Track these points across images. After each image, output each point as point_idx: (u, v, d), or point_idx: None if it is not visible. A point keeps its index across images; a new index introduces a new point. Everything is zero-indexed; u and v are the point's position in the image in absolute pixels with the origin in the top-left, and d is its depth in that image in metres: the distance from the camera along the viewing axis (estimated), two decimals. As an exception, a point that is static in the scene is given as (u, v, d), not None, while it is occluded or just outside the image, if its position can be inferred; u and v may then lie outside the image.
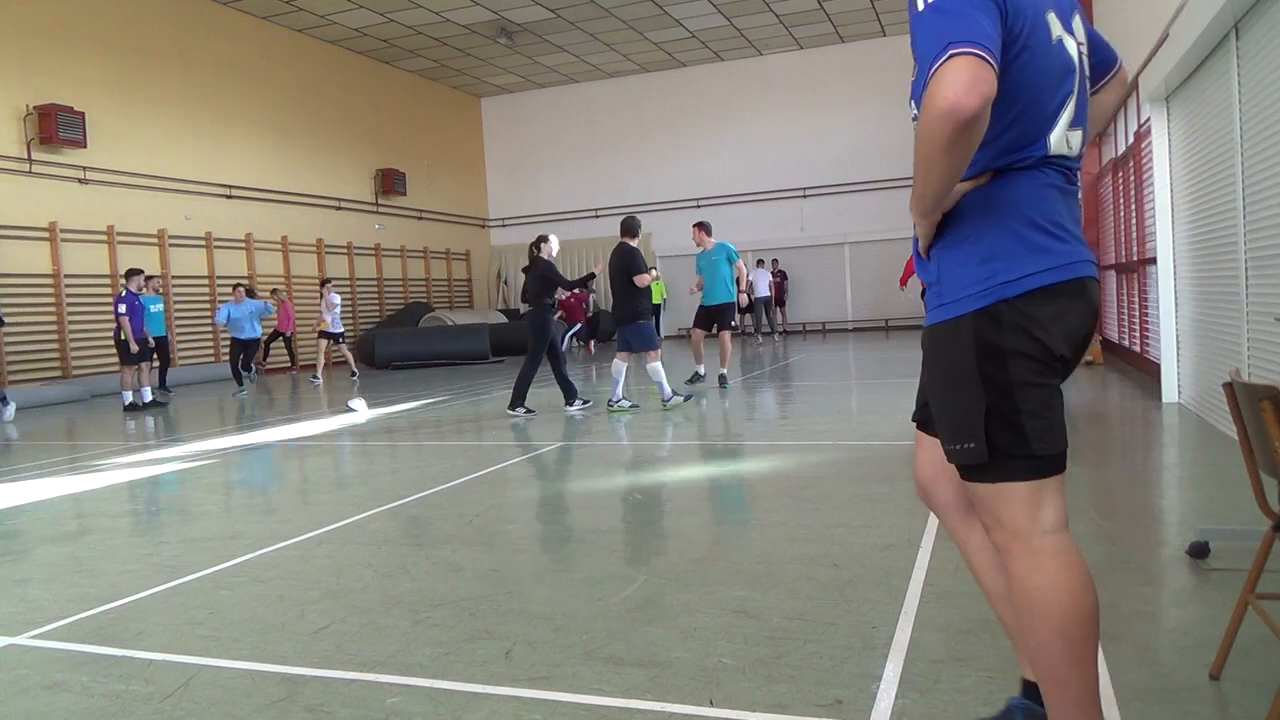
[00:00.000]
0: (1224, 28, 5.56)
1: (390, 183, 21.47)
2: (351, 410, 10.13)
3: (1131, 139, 9.86)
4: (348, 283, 20.47)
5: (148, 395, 12.16)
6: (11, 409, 11.25)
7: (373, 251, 21.29)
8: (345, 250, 20.40)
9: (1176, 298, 7.48)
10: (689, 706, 2.37)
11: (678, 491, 5.25)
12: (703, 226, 10.63)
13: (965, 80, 1.47)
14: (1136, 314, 9.95)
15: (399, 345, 18.14)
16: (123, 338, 11.80)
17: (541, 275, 8.86)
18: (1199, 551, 3.38)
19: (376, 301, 21.33)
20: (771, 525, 4.34)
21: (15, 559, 4.40)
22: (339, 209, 20.30)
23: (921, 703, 2.33)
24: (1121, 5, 9.95)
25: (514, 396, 8.92)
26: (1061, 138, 1.73)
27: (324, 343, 14.86)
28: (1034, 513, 1.71)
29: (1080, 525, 3.92)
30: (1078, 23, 1.80)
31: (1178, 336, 7.48)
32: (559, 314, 13.08)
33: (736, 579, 3.44)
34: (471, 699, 2.50)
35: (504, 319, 21.69)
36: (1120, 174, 10.93)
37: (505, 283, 25.72)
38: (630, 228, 8.84)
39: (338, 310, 14.84)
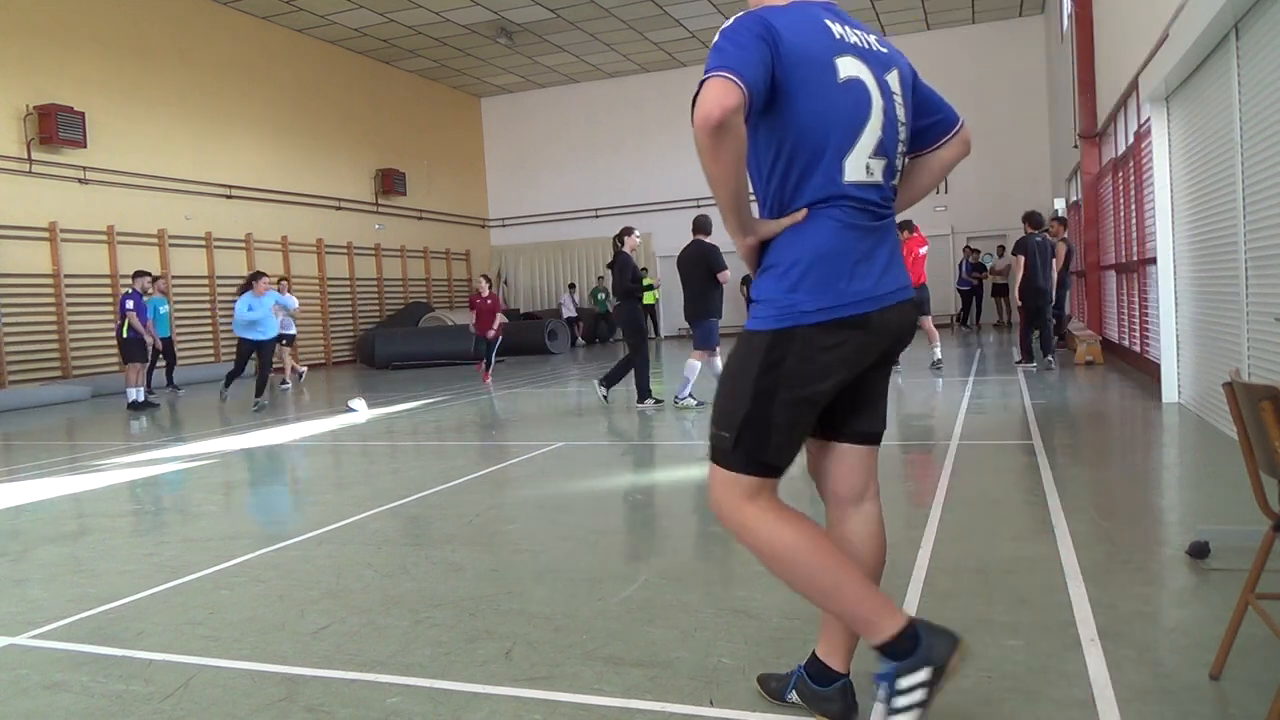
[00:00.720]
0: (1224, 28, 5.56)
1: (390, 183, 21.47)
2: (351, 410, 10.13)
3: (1131, 139, 9.86)
4: (347, 283, 20.48)
5: (141, 395, 12.18)
6: None
7: (373, 251, 21.30)
8: (345, 250, 20.40)
9: (1176, 298, 7.48)
10: (689, 706, 2.37)
11: (678, 491, 5.25)
12: None
13: (711, 95, 1.75)
14: (1136, 314, 9.95)
15: (399, 345, 18.14)
16: (125, 335, 11.85)
17: (622, 268, 9.00)
18: (1199, 551, 3.38)
19: (376, 301, 21.34)
20: (771, 525, 4.34)
21: (15, 559, 4.40)
22: (339, 209, 20.30)
23: (921, 703, 2.33)
24: (1121, 5, 9.95)
25: (639, 392, 9.09)
26: (860, 165, 1.96)
27: (281, 347, 14.09)
28: (748, 501, 2.03)
29: (1080, 525, 3.92)
30: (895, 77, 2.05)
31: (1178, 336, 7.47)
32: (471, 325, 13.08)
33: (736, 579, 3.44)
34: (471, 699, 2.50)
35: (504, 319, 21.68)
36: (1120, 174, 10.93)
37: (505, 283, 25.72)
38: (704, 225, 8.74)
39: (287, 309, 14.14)
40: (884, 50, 2.07)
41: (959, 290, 21.00)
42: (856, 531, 2.25)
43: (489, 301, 13.61)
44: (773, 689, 2.35)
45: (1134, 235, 9.94)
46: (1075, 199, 15.19)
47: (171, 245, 16.16)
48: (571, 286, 24.03)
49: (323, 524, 4.72)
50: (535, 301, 25.40)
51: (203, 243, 16.87)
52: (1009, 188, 21.29)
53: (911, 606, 3.02)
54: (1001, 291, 20.66)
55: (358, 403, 10.33)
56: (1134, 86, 9.13)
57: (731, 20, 1.90)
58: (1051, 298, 11.07)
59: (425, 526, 4.68)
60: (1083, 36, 12.96)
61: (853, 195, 1.97)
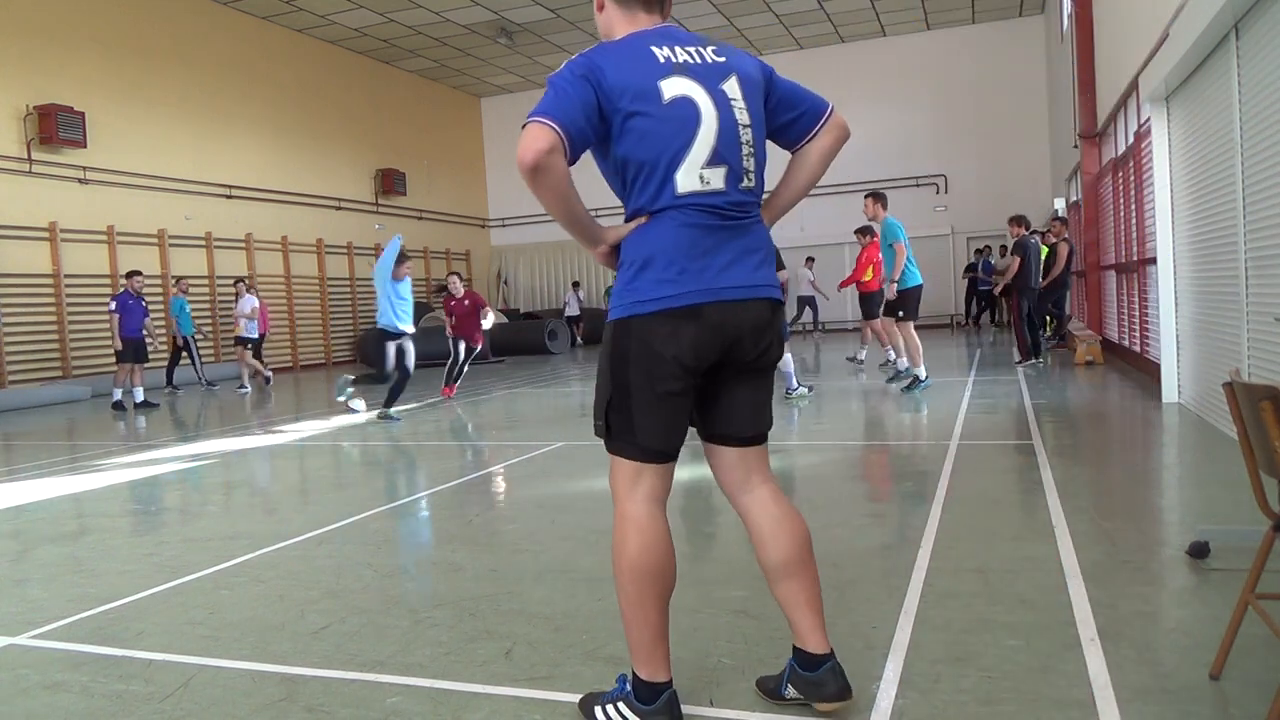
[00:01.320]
0: (1224, 28, 5.56)
1: (390, 183, 21.47)
2: (351, 410, 10.12)
3: (1131, 139, 9.86)
4: (347, 282, 20.47)
5: (139, 395, 12.19)
6: None
7: (373, 252, 21.27)
8: (345, 250, 20.40)
9: (1176, 298, 7.48)
10: (689, 706, 2.37)
11: (677, 491, 5.25)
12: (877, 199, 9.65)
13: (526, 140, 1.97)
14: (1136, 314, 9.95)
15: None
16: (123, 335, 11.92)
17: None
18: (1199, 551, 3.38)
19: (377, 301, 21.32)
20: (771, 525, 4.33)
21: (15, 559, 4.40)
22: (339, 209, 20.30)
23: (921, 703, 2.33)
24: (1121, 5, 9.95)
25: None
26: (693, 176, 2.10)
27: (240, 349, 14.08)
28: (631, 486, 2.22)
29: (1080, 525, 3.92)
30: (734, 84, 2.16)
31: (1178, 336, 7.47)
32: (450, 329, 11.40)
33: (736, 579, 3.44)
34: (471, 699, 2.50)
35: (504, 319, 21.67)
36: (1120, 174, 10.93)
37: (505, 283, 25.71)
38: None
39: (248, 311, 13.95)
40: (721, 60, 2.18)
41: (980, 290, 20.72)
42: (756, 519, 2.32)
43: (465, 303, 11.29)
44: (770, 689, 2.38)
45: (1134, 235, 9.94)
46: (1075, 199, 15.19)
47: (171, 245, 16.16)
48: (576, 284, 24.01)
49: (323, 524, 4.72)
50: (535, 301, 25.40)
51: (203, 243, 16.87)
52: (1009, 188, 21.29)
53: (912, 606, 3.02)
54: (1005, 291, 20.61)
55: (358, 403, 10.33)
56: (1134, 86, 9.13)
57: (563, 64, 2.11)
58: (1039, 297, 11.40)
59: (425, 526, 4.68)
60: (1083, 36, 12.96)
61: (691, 204, 2.11)
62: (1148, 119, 8.04)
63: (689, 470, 5.87)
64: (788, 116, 2.31)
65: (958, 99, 21.70)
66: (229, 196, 17.45)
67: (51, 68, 14.23)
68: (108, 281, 14.97)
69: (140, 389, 12.27)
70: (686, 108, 2.09)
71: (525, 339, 19.55)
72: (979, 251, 20.92)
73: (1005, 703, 2.31)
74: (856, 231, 11.67)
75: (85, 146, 14.41)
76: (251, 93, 18.11)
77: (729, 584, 3.38)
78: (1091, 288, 13.78)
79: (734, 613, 3.06)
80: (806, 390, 9.11)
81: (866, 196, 9.56)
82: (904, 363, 9.64)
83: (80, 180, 14.65)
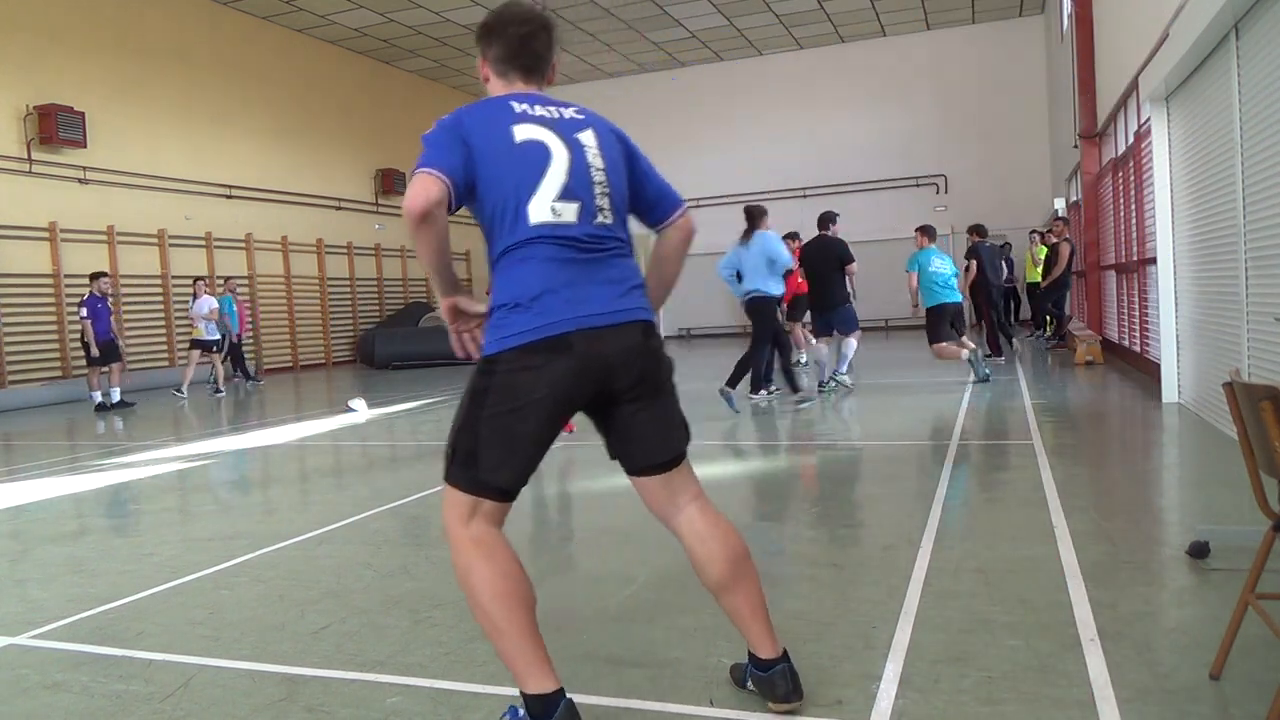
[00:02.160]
0: (1224, 28, 5.56)
1: (390, 183, 21.47)
2: (351, 410, 10.13)
3: (1131, 139, 9.86)
4: (348, 282, 20.47)
5: (116, 396, 12.18)
6: None
7: (373, 251, 21.30)
8: (345, 250, 20.40)
9: (1176, 298, 7.48)
10: (689, 706, 2.37)
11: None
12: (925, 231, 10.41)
13: (416, 190, 2.13)
14: (1136, 314, 9.95)
15: (399, 345, 18.13)
16: (85, 340, 11.89)
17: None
18: (1199, 551, 3.38)
19: (376, 301, 21.34)
20: (771, 525, 4.34)
21: (15, 559, 4.40)
22: (339, 209, 20.29)
23: (921, 703, 2.33)
24: (1121, 5, 9.95)
25: (752, 381, 9.05)
26: (544, 208, 2.20)
27: (195, 353, 13.57)
28: (466, 519, 2.20)
29: (1080, 525, 3.92)
30: (590, 135, 2.31)
31: (1178, 336, 7.47)
32: None
33: (736, 579, 3.44)
34: (471, 699, 2.50)
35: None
36: (1120, 174, 10.93)
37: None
38: (831, 219, 9.54)
39: (206, 312, 13.51)
40: (579, 117, 2.36)
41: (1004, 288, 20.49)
42: (688, 541, 2.36)
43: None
44: (738, 678, 2.46)
45: (1134, 235, 9.94)
46: (1075, 199, 15.19)
47: (171, 245, 16.15)
48: None
49: (323, 524, 4.72)
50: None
51: (203, 243, 16.86)
52: (1009, 188, 21.30)
53: (912, 606, 3.02)
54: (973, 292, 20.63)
55: (358, 403, 10.33)
56: (1134, 86, 9.13)
57: (435, 124, 2.30)
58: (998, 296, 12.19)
59: (425, 526, 4.68)
60: (1083, 36, 12.96)
61: (546, 236, 2.20)
62: (1148, 119, 8.04)
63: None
64: (647, 195, 2.43)
65: (958, 99, 21.70)
66: (229, 196, 17.44)
67: (51, 68, 14.23)
68: (108, 282, 14.96)
69: (117, 389, 12.24)
70: (536, 148, 2.25)
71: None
72: (1000, 248, 20.59)
73: (1005, 703, 2.31)
74: (785, 237, 12.02)
75: (85, 146, 14.41)
76: (251, 93, 18.11)
77: (729, 584, 3.38)
78: (1091, 288, 13.78)
79: (734, 613, 3.06)
80: (849, 384, 9.26)
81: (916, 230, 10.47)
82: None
83: (80, 180, 14.65)
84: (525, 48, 2.43)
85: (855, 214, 22.47)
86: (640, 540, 4.12)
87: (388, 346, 18.05)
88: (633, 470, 2.36)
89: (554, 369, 2.13)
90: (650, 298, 2.39)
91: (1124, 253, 10.78)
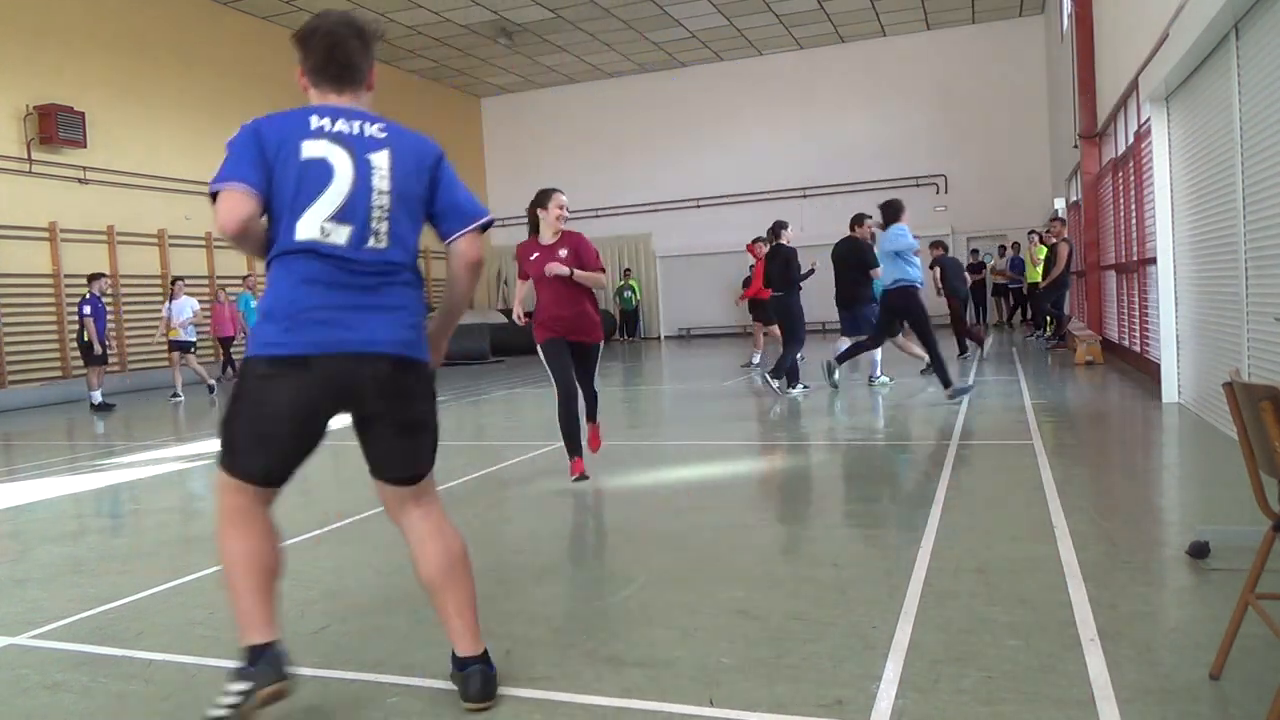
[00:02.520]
0: (1224, 28, 5.56)
1: (390, 183, 21.45)
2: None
3: (1131, 139, 9.86)
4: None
5: (97, 398, 12.16)
6: None
7: (373, 251, 21.28)
8: (345, 250, 20.38)
9: (1176, 298, 7.48)
10: (689, 706, 2.37)
11: (678, 491, 5.24)
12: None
13: (223, 209, 2.29)
14: (1136, 314, 9.95)
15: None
16: (85, 339, 11.86)
17: (786, 261, 9.44)
18: (1199, 551, 3.38)
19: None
20: (771, 525, 4.34)
21: (15, 559, 4.40)
22: (339, 209, 20.27)
23: (921, 703, 2.33)
24: (1121, 5, 9.95)
25: (787, 377, 9.43)
26: (313, 226, 2.30)
27: (175, 355, 13.16)
28: (224, 499, 2.42)
29: (1080, 525, 3.92)
30: (383, 157, 2.39)
31: (1178, 336, 7.47)
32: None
33: (736, 579, 3.44)
34: (471, 699, 2.50)
35: (504, 319, 21.68)
36: (1120, 174, 10.93)
37: (505, 283, 25.70)
38: (859, 220, 9.71)
39: (186, 315, 13.06)
40: (381, 136, 2.42)
41: (1010, 288, 20.49)
42: (409, 539, 2.53)
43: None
44: (450, 672, 2.55)
45: (1134, 235, 9.94)
46: (1075, 199, 15.19)
47: (171, 245, 16.15)
48: None
49: (323, 524, 4.72)
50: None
51: (203, 243, 16.86)
52: (1009, 188, 21.29)
53: (912, 606, 3.02)
54: (1001, 291, 20.65)
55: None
56: (1134, 86, 9.13)
57: (239, 128, 2.40)
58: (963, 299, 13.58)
59: (425, 526, 4.67)
60: (1083, 36, 12.96)
61: (310, 251, 2.30)
62: (1148, 119, 8.04)
63: (689, 471, 5.87)
64: (440, 210, 2.51)
65: (958, 99, 21.70)
66: (229, 196, 17.42)
67: (51, 68, 14.22)
68: (108, 282, 14.96)
69: (98, 391, 12.21)
70: (320, 167, 2.34)
71: (525, 339, 19.45)
72: (1005, 248, 20.55)
73: (1005, 703, 2.31)
74: (754, 241, 12.65)
75: (85, 146, 14.41)
76: (251, 93, 18.08)
77: (729, 584, 3.38)
78: (1091, 288, 13.78)
79: (734, 613, 3.06)
80: (888, 380, 9.70)
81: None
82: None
83: (80, 180, 14.65)
84: (332, 59, 2.48)
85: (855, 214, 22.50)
86: (640, 540, 4.12)
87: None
88: (376, 477, 2.52)
89: (293, 383, 2.28)
90: (440, 319, 2.56)
91: (1124, 253, 10.78)
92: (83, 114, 14.36)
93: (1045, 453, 5.66)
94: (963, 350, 13.10)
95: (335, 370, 2.30)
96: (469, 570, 2.54)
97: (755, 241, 12.42)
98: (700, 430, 7.72)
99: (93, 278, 12.40)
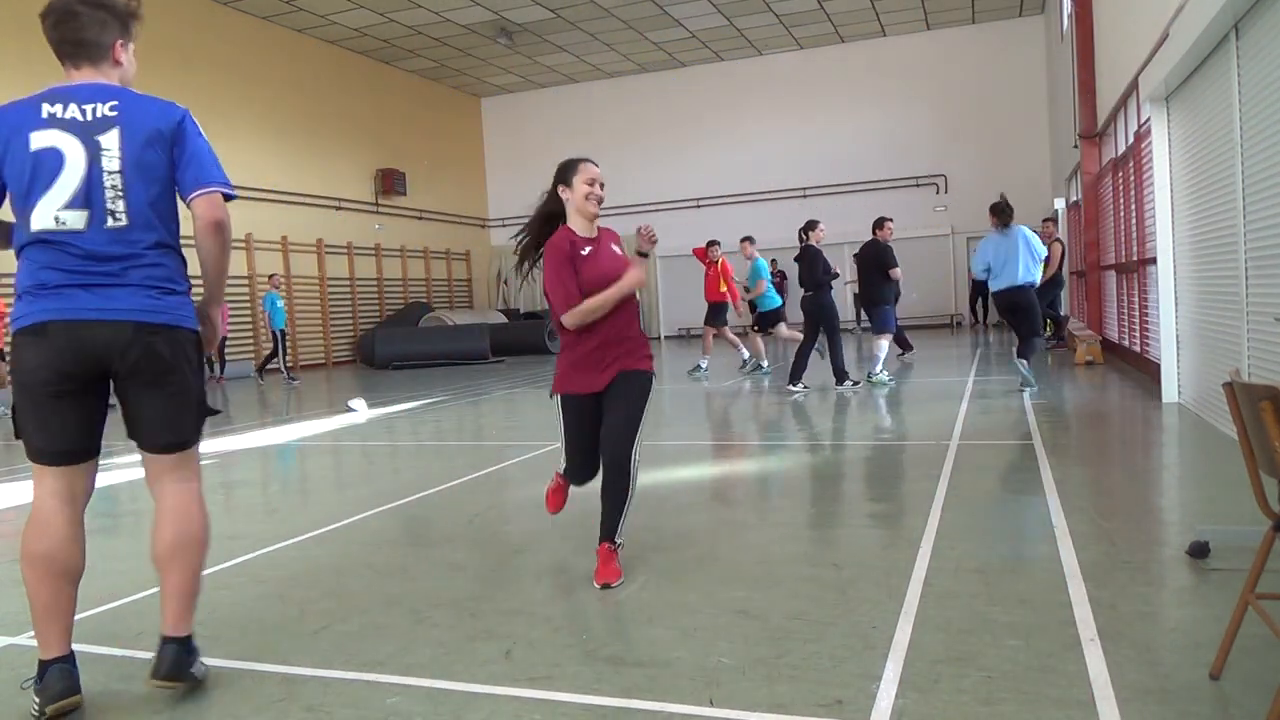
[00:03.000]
0: (1224, 28, 5.55)
1: (390, 183, 21.47)
2: (351, 410, 10.13)
3: (1131, 139, 9.85)
4: (348, 282, 20.47)
5: None
6: None
7: (373, 251, 21.30)
8: (345, 250, 20.40)
9: (1176, 298, 7.48)
10: (689, 706, 2.37)
11: (678, 491, 5.24)
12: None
13: None
14: (1136, 314, 9.95)
15: (399, 345, 18.13)
16: None
17: (811, 260, 9.69)
18: (1199, 551, 3.38)
19: (376, 301, 21.33)
20: (771, 525, 4.34)
21: (15, 559, 4.39)
22: (339, 209, 20.29)
23: (921, 703, 2.33)
24: (1121, 5, 9.95)
25: (837, 374, 9.53)
26: (47, 217, 2.43)
27: None
28: (38, 482, 2.59)
29: (1080, 525, 3.92)
30: (113, 136, 2.49)
31: (1178, 336, 7.47)
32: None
33: (736, 579, 3.44)
34: (471, 699, 2.50)
35: (504, 319, 21.67)
36: (1120, 174, 10.93)
37: (505, 283, 25.70)
38: (879, 224, 10.34)
39: None
40: (111, 115, 2.50)
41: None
42: (156, 511, 2.70)
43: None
44: None
45: (1134, 235, 9.94)
46: (1075, 199, 15.19)
47: (171, 245, 16.13)
48: None
49: (323, 524, 4.72)
50: (535, 302, 25.40)
51: (203, 243, 16.84)
52: (1009, 188, 21.05)
53: (912, 606, 3.02)
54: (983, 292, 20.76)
55: (358, 403, 10.34)
56: (1134, 86, 9.13)
57: None
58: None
59: (425, 526, 4.68)
60: (1083, 36, 12.96)
61: (48, 240, 2.42)
62: (1148, 119, 8.04)
63: (689, 471, 5.87)
64: (179, 171, 2.61)
65: (958, 99, 21.69)
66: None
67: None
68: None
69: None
70: (50, 157, 2.42)
71: (525, 339, 19.55)
72: None
73: (1005, 703, 2.31)
74: (710, 244, 12.97)
75: (85, 146, 14.39)
76: (251, 93, 18.11)
77: (729, 584, 3.39)
78: (1091, 288, 13.78)
79: (734, 613, 3.06)
80: (887, 378, 9.76)
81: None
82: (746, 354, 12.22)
83: (80, 180, 14.64)
84: (62, 36, 2.58)
85: (855, 214, 22.46)
86: (640, 540, 4.12)
87: (388, 346, 18.04)
88: (140, 446, 2.65)
89: (36, 350, 2.43)
90: (205, 290, 2.65)
91: (1124, 253, 10.78)
92: (83, 114, 14.35)
93: (1045, 453, 5.66)
94: (908, 347, 13.40)
95: (72, 335, 2.41)
96: (197, 558, 2.68)
97: (710, 245, 12.59)
98: (700, 430, 7.72)
99: None
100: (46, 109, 2.47)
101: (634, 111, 24.37)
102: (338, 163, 20.32)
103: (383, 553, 4.12)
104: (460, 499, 5.26)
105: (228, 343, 15.94)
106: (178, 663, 2.55)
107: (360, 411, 10.03)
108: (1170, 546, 3.62)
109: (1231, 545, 3.41)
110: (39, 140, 2.43)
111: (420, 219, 22.98)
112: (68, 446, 2.53)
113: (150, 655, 2.95)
